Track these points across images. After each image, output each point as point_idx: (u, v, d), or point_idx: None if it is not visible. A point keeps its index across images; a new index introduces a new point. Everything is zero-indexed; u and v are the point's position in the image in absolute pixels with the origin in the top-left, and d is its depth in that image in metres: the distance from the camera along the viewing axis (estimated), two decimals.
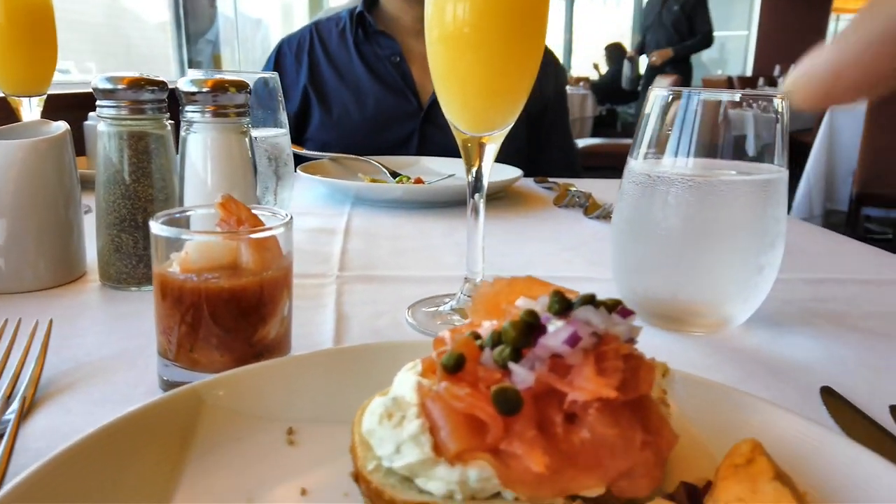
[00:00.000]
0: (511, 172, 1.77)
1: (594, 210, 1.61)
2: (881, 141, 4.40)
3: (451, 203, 1.61)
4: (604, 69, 9.47)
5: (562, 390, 0.43)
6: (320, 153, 1.92)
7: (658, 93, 0.88)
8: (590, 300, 0.47)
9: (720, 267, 0.86)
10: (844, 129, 5.06)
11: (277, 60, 2.31)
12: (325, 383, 0.60)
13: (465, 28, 0.76)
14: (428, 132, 2.22)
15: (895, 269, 1.24)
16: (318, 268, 1.14)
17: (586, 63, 10.28)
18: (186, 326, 0.62)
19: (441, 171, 1.88)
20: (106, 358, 0.76)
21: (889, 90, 0.38)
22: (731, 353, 0.85)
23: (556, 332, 0.44)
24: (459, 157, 0.87)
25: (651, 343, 0.72)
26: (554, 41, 11.15)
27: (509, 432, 0.43)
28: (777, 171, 0.86)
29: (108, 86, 0.91)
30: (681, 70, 8.26)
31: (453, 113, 0.83)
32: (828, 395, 0.74)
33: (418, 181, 1.76)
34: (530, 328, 0.45)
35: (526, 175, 1.89)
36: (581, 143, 6.19)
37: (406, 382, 0.49)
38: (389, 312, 0.95)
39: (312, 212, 1.55)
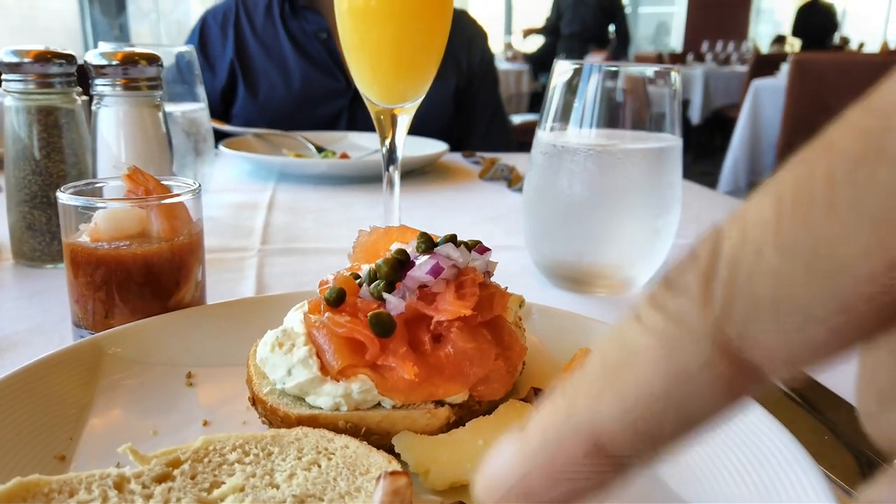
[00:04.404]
0: (436, 146, 1.80)
1: (517, 182, 1.66)
2: (801, 113, 4.61)
3: (376, 178, 1.63)
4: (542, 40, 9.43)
5: (429, 314, 0.51)
6: (244, 129, 1.90)
7: (562, 65, 0.93)
8: (451, 239, 0.54)
9: (620, 230, 0.92)
10: (767, 102, 5.30)
11: (202, 33, 2.23)
12: (220, 332, 0.64)
13: (371, 1, 0.79)
14: (358, 111, 2.19)
15: None
16: (239, 242, 1.15)
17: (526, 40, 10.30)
18: (101, 294, 0.63)
19: (368, 146, 1.90)
20: (21, 332, 0.76)
21: None
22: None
23: (422, 264, 0.52)
24: None
25: (559, 304, 0.78)
26: (493, 22, 11.17)
27: (385, 350, 0.50)
28: (671, 140, 0.92)
29: (14, 59, 0.90)
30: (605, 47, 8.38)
31: (365, 85, 0.85)
32: None
33: (343, 156, 1.77)
34: (401, 264, 0.53)
35: (455, 149, 1.92)
36: (517, 118, 6.24)
37: (294, 318, 0.55)
38: (312, 283, 0.97)
39: (236, 188, 1.55)
